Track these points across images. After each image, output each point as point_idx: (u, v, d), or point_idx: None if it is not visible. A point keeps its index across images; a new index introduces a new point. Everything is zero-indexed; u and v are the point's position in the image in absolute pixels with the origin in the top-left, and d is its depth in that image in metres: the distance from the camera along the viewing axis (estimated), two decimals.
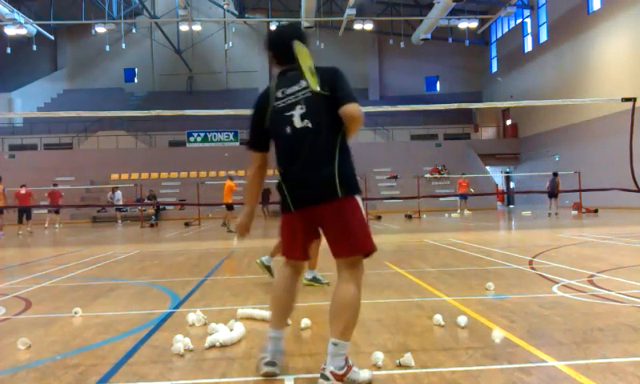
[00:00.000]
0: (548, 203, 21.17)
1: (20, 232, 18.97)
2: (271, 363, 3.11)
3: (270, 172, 3.35)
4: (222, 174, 23.49)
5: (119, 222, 26.37)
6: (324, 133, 3.01)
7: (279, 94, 3.11)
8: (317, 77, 3.03)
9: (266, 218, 25.54)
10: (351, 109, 3.00)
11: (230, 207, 17.40)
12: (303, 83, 3.06)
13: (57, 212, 22.13)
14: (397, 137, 37.88)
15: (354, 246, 3.02)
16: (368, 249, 3.05)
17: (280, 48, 3.19)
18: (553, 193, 20.37)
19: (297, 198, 3.06)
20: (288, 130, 3.04)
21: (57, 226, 21.73)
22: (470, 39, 37.01)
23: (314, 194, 3.00)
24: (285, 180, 3.08)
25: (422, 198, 22.80)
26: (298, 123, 3.03)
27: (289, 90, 3.09)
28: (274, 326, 3.20)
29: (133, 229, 21.58)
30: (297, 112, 3.04)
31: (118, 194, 26.55)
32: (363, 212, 3.09)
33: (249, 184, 3.39)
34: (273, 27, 34.35)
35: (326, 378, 2.88)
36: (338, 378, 2.89)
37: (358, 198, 3.06)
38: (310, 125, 3.02)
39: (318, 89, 3.00)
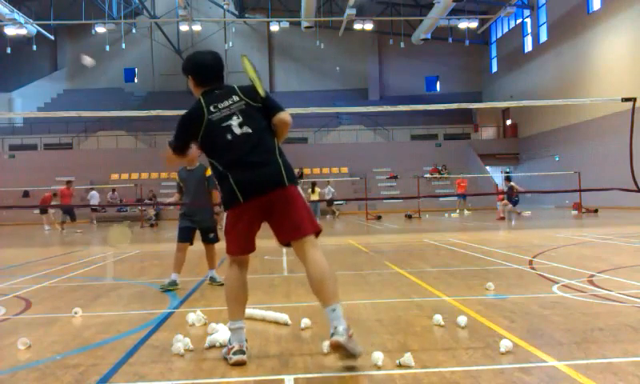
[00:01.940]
0: (503, 208, 18.72)
1: (64, 230, 20.05)
2: (240, 351, 3.28)
3: None
4: None
5: (93, 222, 25.64)
6: (263, 135, 3.40)
7: (211, 109, 3.44)
8: (259, 88, 3.46)
9: None
10: (285, 115, 3.48)
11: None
12: (235, 98, 3.46)
13: (44, 212, 21.64)
14: (397, 137, 37.87)
15: (314, 223, 3.38)
16: (320, 228, 3.43)
17: (208, 72, 3.58)
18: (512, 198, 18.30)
19: (246, 189, 3.31)
20: (229, 136, 3.37)
21: (47, 227, 21.35)
22: (470, 39, 36.99)
23: (263, 183, 3.31)
24: (233, 177, 3.32)
25: (422, 198, 22.79)
26: (237, 130, 3.38)
27: (221, 105, 3.44)
28: (234, 317, 3.38)
29: (132, 229, 21.55)
30: (234, 122, 3.39)
31: (93, 194, 25.99)
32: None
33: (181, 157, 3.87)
34: (273, 27, 34.42)
35: (341, 335, 3.09)
36: (350, 335, 3.13)
37: (299, 187, 3.46)
38: (249, 130, 3.38)
39: (263, 94, 3.45)
